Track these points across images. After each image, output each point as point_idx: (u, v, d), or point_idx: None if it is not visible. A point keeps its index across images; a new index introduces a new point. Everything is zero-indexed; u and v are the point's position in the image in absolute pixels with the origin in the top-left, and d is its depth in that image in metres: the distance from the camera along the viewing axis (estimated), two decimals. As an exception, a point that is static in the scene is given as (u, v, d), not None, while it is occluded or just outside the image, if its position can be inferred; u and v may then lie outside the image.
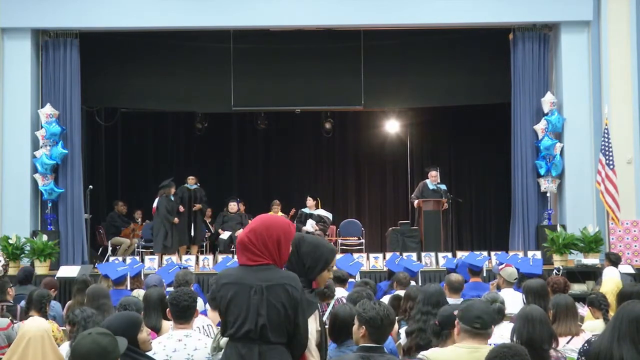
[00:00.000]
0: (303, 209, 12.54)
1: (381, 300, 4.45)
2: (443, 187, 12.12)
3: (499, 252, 10.47)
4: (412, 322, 4.85)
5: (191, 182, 12.19)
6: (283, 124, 15.09)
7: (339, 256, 10.22)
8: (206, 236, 12.92)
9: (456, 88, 12.65)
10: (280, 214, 12.60)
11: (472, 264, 7.63)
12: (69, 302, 6.44)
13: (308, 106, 13.15)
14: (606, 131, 10.78)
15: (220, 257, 10.62)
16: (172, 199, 11.60)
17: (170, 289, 6.26)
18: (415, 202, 11.88)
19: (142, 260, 10.34)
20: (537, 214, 11.64)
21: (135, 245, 12.54)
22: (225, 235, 11.92)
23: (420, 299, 4.92)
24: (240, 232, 11.09)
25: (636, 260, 10.78)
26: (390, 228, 12.16)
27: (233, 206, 12.27)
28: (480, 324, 3.47)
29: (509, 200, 12.08)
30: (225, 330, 3.25)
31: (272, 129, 15.07)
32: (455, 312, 3.63)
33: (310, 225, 12.09)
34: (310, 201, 12.49)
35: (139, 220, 13.39)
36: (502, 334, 4.56)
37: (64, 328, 5.27)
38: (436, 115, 14.80)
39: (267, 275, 3.21)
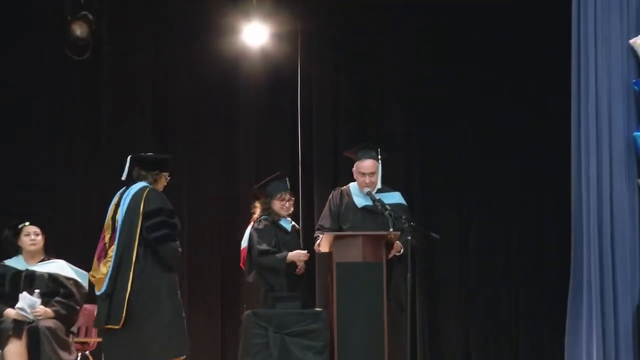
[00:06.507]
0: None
1: None
2: (396, 198, 9.38)
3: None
4: None
5: None
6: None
7: None
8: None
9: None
10: None
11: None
12: None
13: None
14: None
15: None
16: None
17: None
18: (318, 243, 9.24)
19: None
20: (637, 269, 8.60)
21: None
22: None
23: None
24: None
25: None
26: (247, 309, 9.16)
27: None
28: None
29: (567, 234, 9.01)
30: None
31: None
32: None
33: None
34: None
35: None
36: None
37: None
38: (391, 20, 11.76)
39: None
